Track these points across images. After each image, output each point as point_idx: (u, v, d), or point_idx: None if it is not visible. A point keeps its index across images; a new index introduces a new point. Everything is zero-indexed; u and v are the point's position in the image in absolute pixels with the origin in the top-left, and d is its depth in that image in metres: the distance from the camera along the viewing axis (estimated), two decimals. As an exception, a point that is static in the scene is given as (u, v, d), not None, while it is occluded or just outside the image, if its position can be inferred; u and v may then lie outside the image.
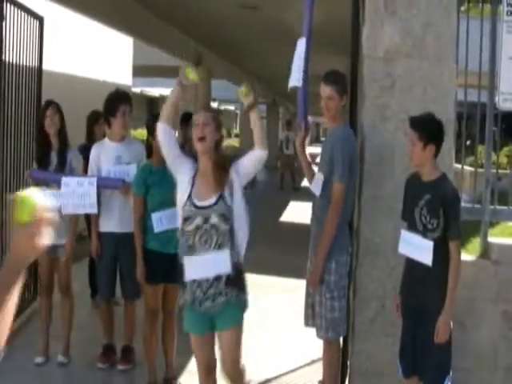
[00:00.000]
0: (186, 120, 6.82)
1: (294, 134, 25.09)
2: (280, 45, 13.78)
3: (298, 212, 14.92)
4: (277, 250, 10.96)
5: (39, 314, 5.93)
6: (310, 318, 4.91)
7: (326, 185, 4.68)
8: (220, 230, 4.00)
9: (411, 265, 4.11)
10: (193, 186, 4.08)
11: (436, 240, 3.94)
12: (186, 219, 4.04)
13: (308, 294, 4.93)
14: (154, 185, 5.15)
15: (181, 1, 9.65)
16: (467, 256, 5.11)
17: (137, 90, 19.63)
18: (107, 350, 5.82)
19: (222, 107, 38.11)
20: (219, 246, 4.01)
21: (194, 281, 4.05)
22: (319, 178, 4.78)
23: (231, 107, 42.99)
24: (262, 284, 8.33)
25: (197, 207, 4.03)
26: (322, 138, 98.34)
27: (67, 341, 5.84)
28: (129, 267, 5.46)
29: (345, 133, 4.70)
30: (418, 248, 4.00)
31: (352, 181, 4.68)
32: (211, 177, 4.07)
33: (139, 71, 15.13)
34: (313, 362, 5.90)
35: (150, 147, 5.37)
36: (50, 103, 5.71)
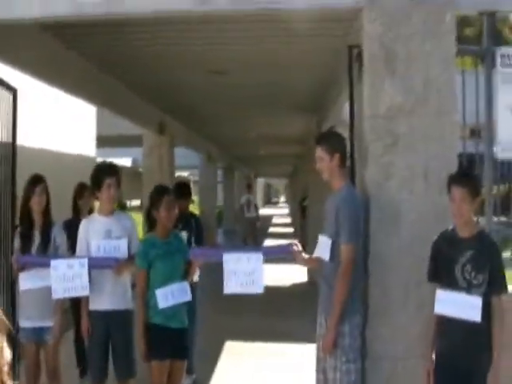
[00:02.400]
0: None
1: (253, 197, 25.17)
2: (240, 110, 13.89)
3: (270, 275, 14.66)
4: (258, 316, 10.69)
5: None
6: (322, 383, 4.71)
7: (333, 247, 4.54)
8: None
9: (452, 325, 3.97)
10: None
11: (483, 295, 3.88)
12: None
13: (319, 360, 4.72)
14: (158, 258, 5.04)
15: (149, 69, 9.56)
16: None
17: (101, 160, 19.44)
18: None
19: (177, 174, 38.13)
20: None
21: None
22: (325, 241, 4.62)
23: (185, 173, 42.99)
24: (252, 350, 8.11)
25: None
26: (275, 199, 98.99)
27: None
28: (122, 344, 5.27)
29: (348, 193, 4.58)
30: (462, 306, 3.88)
31: (358, 241, 4.54)
32: None
33: (103, 141, 14.94)
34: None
35: (153, 220, 5.19)
36: (38, 180, 5.47)
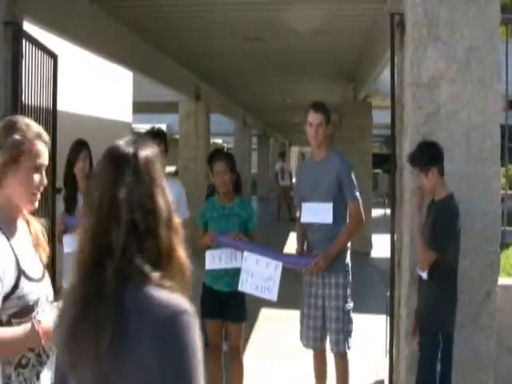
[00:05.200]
0: None
1: (288, 165, 25.14)
2: (276, 77, 13.82)
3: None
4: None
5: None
6: (312, 338, 5.06)
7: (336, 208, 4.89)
8: None
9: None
10: None
11: None
12: None
13: (308, 316, 5.04)
14: (213, 220, 5.15)
15: (186, 36, 9.55)
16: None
17: (137, 126, 19.51)
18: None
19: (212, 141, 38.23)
20: None
21: None
22: (323, 207, 4.88)
23: (219, 140, 43.03)
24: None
25: None
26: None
27: None
28: None
29: (342, 157, 5.03)
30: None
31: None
32: None
33: (139, 107, 15.01)
34: None
35: (213, 186, 5.58)
36: (82, 145, 5.50)
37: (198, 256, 6.35)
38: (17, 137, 2.28)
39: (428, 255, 4.12)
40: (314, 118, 4.91)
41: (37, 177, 2.34)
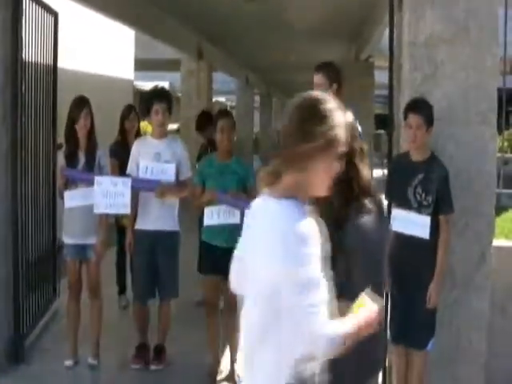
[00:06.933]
0: (209, 120, 7.00)
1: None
2: (278, 36, 13.71)
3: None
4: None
5: (67, 317, 5.71)
6: None
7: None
8: None
9: (403, 240, 4.27)
10: None
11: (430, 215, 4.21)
12: None
13: None
14: (210, 177, 5.22)
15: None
16: (509, 242, 5.06)
17: (139, 84, 19.42)
18: (141, 349, 5.67)
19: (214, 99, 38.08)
20: None
21: None
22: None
23: (222, 99, 42.76)
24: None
25: None
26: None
27: (96, 343, 5.69)
28: (167, 265, 5.42)
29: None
30: (414, 224, 4.24)
31: None
32: None
33: (141, 65, 14.94)
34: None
35: (213, 142, 5.58)
36: (83, 102, 5.50)
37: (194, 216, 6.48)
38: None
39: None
40: (315, 78, 4.86)
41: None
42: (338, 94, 4.66)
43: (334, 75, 4.89)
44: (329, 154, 2.22)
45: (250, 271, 2.29)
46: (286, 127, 2.27)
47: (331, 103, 2.26)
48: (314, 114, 2.23)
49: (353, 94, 13.74)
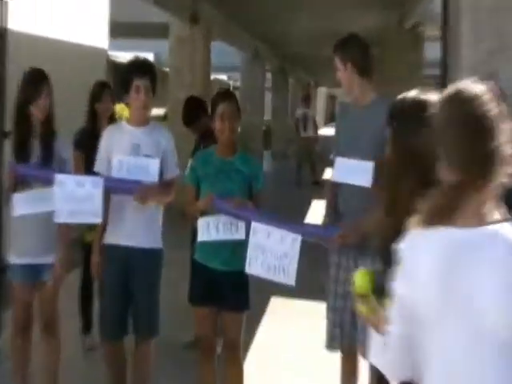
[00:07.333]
0: (201, 108, 7.18)
1: (312, 111, 25.08)
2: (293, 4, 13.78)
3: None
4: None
5: (13, 359, 5.71)
6: (338, 338, 5.03)
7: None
8: None
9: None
10: None
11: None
12: None
13: (334, 310, 5.02)
14: (207, 177, 5.17)
15: None
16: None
17: (115, 54, 19.50)
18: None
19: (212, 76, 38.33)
20: None
21: None
22: (365, 165, 4.73)
23: (223, 77, 43.06)
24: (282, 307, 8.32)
25: None
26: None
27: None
28: (144, 292, 5.38)
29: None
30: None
31: None
32: None
33: (118, 30, 15.01)
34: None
35: (211, 131, 5.49)
36: (42, 78, 5.46)
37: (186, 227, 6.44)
38: None
39: None
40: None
41: None
42: (360, 72, 4.85)
43: (349, 52, 4.94)
44: None
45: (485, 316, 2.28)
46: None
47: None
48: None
49: (394, 74, 13.80)
